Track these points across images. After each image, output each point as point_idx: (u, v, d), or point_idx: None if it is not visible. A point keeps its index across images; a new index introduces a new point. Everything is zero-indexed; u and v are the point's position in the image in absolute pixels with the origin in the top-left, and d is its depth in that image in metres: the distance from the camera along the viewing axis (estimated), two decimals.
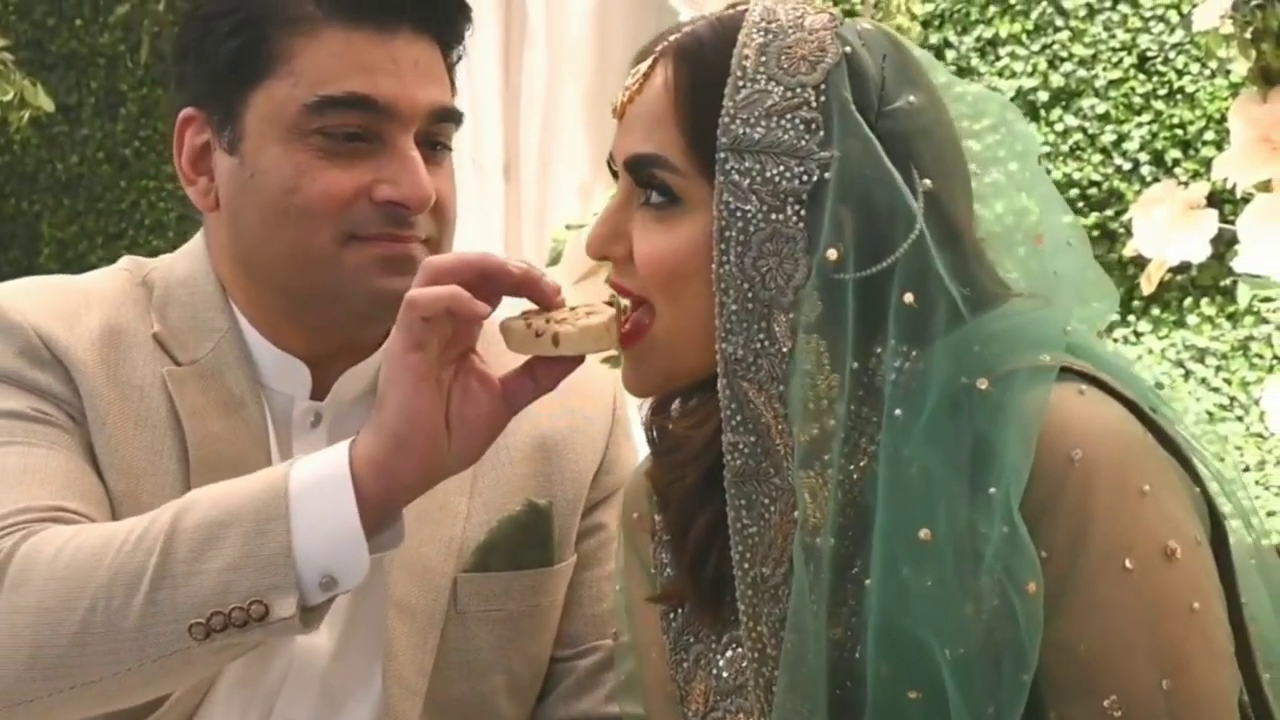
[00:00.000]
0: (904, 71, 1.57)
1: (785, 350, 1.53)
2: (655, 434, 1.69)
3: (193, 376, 1.87)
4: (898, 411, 1.51)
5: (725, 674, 1.66)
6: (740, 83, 1.54)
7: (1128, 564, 1.47)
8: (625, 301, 1.57)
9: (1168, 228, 3.55)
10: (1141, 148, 3.91)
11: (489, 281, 1.60)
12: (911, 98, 1.55)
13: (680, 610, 1.70)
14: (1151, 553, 1.48)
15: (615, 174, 1.61)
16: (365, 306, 1.78)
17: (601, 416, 2.00)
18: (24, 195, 5.18)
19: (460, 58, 1.87)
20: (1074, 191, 4.13)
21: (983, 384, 1.50)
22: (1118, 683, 1.48)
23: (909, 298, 1.51)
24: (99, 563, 1.65)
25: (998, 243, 1.60)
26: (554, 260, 4.13)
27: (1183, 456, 1.53)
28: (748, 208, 1.53)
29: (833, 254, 1.51)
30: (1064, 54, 4.03)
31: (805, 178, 1.52)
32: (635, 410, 1.96)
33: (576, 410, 1.98)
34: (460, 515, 1.90)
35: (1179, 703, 1.47)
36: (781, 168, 1.53)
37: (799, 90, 1.54)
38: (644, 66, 1.60)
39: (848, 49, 1.55)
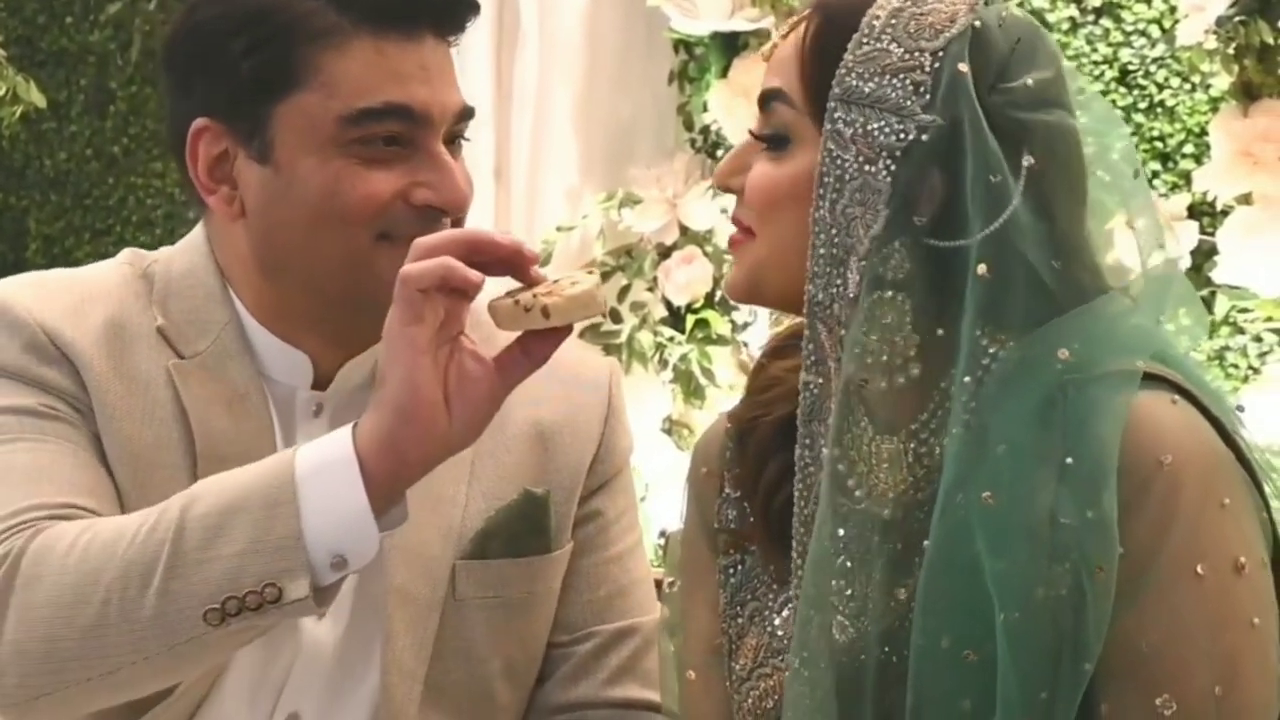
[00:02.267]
0: (1034, 57, 1.62)
1: (852, 295, 1.58)
2: (754, 375, 1.77)
3: (196, 369, 1.89)
4: (986, 392, 1.55)
5: (780, 632, 1.70)
6: (864, 40, 1.60)
7: (1200, 570, 1.52)
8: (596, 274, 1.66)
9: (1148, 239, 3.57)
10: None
11: (478, 254, 1.66)
12: (1030, 80, 1.58)
13: (740, 565, 1.75)
14: (1224, 563, 1.53)
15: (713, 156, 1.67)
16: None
17: (598, 405, 2.03)
18: (12, 191, 5.16)
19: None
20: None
21: (1080, 380, 1.55)
22: (1173, 683, 1.52)
23: (982, 269, 1.55)
24: (111, 555, 1.69)
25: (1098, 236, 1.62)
26: (544, 261, 4.10)
27: (1256, 480, 1.56)
28: (846, 157, 1.59)
29: (919, 218, 1.57)
30: None
31: (902, 135, 1.58)
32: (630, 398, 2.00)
33: (573, 398, 2.01)
34: (459, 503, 1.94)
35: (1228, 710, 1.51)
36: (882, 123, 1.58)
37: (916, 54, 1.59)
38: (793, 21, 1.66)
39: (977, 23, 1.58)
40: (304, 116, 1.83)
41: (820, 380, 1.61)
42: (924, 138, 1.57)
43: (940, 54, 1.58)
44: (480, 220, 4.30)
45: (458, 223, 1.87)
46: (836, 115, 1.60)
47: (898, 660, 1.58)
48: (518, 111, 4.29)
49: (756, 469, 1.73)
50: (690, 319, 4.09)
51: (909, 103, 1.58)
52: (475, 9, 1.91)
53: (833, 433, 1.58)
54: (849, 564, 1.58)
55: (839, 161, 1.59)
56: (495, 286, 1.71)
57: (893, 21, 1.60)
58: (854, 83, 1.60)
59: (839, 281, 1.59)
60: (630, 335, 4.08)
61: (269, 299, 1.91)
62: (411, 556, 1.91)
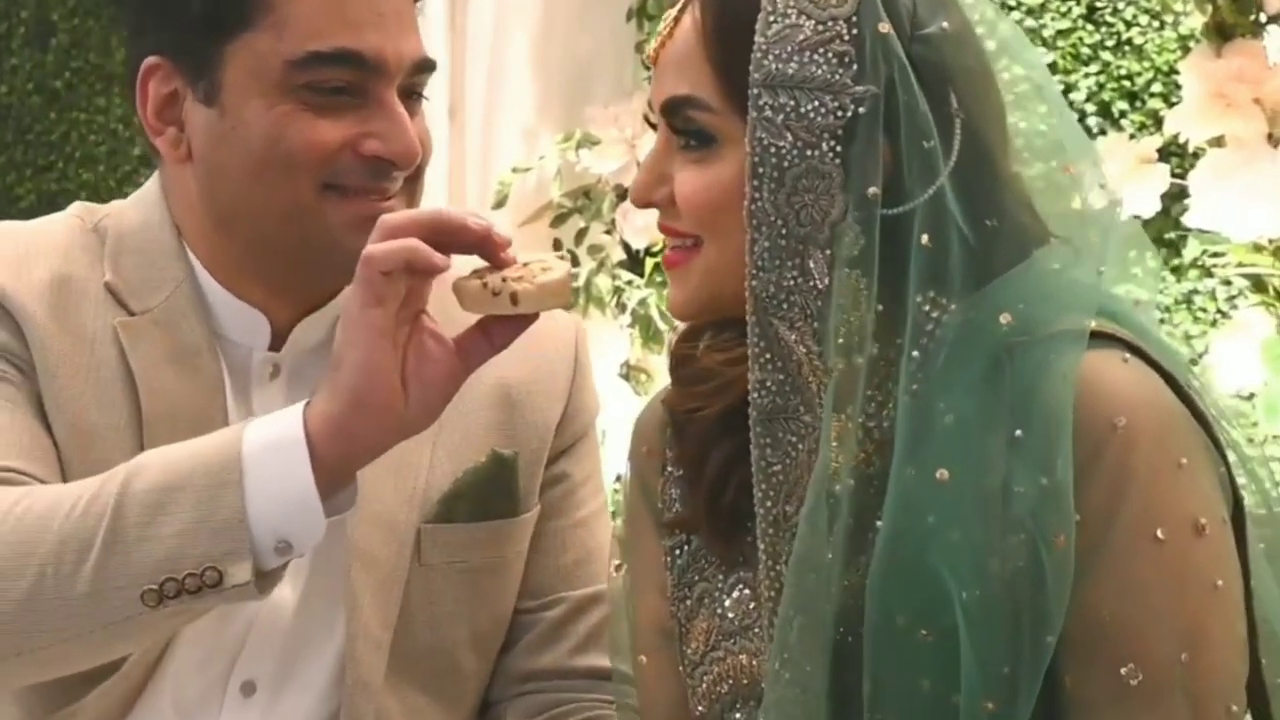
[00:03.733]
0: None
1: (821, 287, 1.54)
2: (680, 363, 1.72)
3: (146, 326, 1.84)
4: (931, 360, 1.53)
5: (731, 615, 1.67)
6: (770, 18, 1.54)
7: (1159, 534, 1.50)
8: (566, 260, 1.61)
9: (1118, 181, 3.54)
10: (1088, 98, 3.87)
11: (445, 237, 1.62)
12: (945, 23, 1.56)
13: (686, 547, 1.72)
14: (1183, 526, 1.51)
15: (653, 125, 1.61)
16: (344, 264, 1.76)
17: (564, 364, 2.01)
18: None
19: (422, 8, 1.85)
20: (1019, 141, 4.10)
21: (1026, 343, 1.52)
22: (1137, 651, 1.50)
23: (925, 239, 1.52)
24: (47, 527, 1.65)
25: (1027, 171, 1.59)
26: (499, 203, 4.08)
27: (1211, 433, 1.53)
28: (781, 144, 1.54)
29: (873, 190, 1.53)
30: (1013, 2, 3.97)
31: (840, 113, 1.54)
32: (597, 356, 1.94)
33: (538, 358, 1.98)
34: (423, 466, 1.91)
35: (1194, 676, 1.48)
36: (816, 103, 1.54)
37: (830, 24, 1.54)
38: (674, 12, 1.59)
39: None
40: (253, 57, 1.80)
41: (781, 377, 1.57)
42: (862, 110, 1.53)
43: (854, 19, 1.55)
44: (436, 161, 4.28)
45: (414, 176, 1.84)
46: (763, 102, 1.55)
47: (853, 640, 1.56)
48: (473, 49, 4.24)
49: (698, 459, 1.70)
50: (649, 262, 4.05)
51: (837, 76, 1.54)
52: None
53: (828, 430, 1.55)
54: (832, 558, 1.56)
55: (773, 149, 1.54)
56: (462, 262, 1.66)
57: None
58: (773, 66, 1.55)
59: (793, 274, 1.55)
60: (588, 279, 4.04)
61: (221, 252, 1.87)
62: (375, 521, 1.88)
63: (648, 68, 4.05)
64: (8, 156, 5.08)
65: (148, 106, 1.85)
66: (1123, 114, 3.83)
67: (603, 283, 4.04)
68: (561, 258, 1.64)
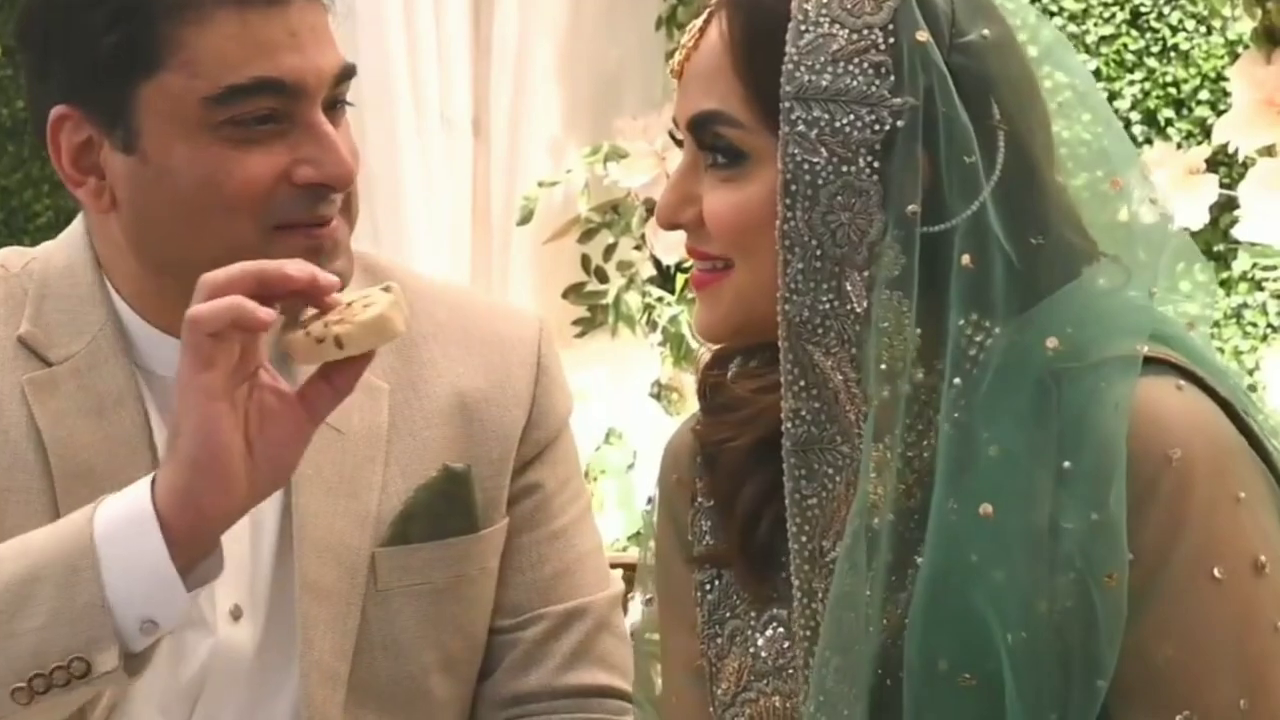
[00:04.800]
0: (973, 2, 1.53)
1: (859, 310, 1.50)
2: (709, 391, 1.66)
3: (62, 378, 1.82)
4: (974, 387, 1.48)
5: (764, 654, 1.61)
6: (802, 27, 1.50)
7: (1217, 573, 1.45)
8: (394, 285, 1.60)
9: (1165, 192, 3.53)
10: (1133, 106, 3.86)
11: (269, 288, 1.59)
12: (985, 30, 1.51)
13: (718, 582, 1.66)
14: (1243, 564, 1.45)
15: (678, 141, 1.59)
16: None
17: (524, 368, 1.93)
18: None
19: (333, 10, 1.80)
20: (1063, 151, 4.07)
21: (1075, 370, 1.47)
22: (1194, 697, 1.45)
23: (965, 259, 1.48)
24: None
25: (1072, 182, 1.55)
26: (525, 219, 4.09)
27: (1271, 464, 1.50)
28: (816, 160, 1.49)
29: (912, 208, 1.48)
30: (1054, 8, 3.95)
31: (877, 126, 1.48)
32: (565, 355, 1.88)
33: (496, 362, 1.92)
34: (374, 487, 1.86)
35: None
36: (852, 116, 1.49)
37: (865, 32, 1.50)
38: (699, 22, 1.57)
39: None
40: (168, 99, 1.74)
41: (817, 406, 1.52)
42: (900, 123, 1.48)
43: (891, 27, 1.49)
44: (459, 177, 4.30)
45: (348, 198, 1.79)
46: (795, 115, 1.49)
47: (892, 684, 1.50)
48: (498, 60, 4.22)
49: (730, 492, 1.64)
50: (680, 278, 4.02)
51: (874, 88, 1.49)
52: None
53: (867, 461, 1.50)
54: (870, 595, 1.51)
55: (806, 165, 1.49)
56: None
57: (824, 1, 1.51)
58: (806, 77, 1.50)
59: (829, 297, 1.50)
60: (617, 296, 4.04)
61: (150, 292, 1.83)
62: (324, 549, 1.83)
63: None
64: (25, 173, 5.02)
65: (63, 158, 1.78)
66: (1169, 122, 3.80)
67: (632, 300, 4.03)
68: (385, 289, 1.61)
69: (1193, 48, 3.79)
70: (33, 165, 5.00)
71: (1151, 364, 1.47)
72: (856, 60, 1.49)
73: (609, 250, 4.07)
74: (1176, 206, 3.47)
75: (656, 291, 4.04)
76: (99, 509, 1.62)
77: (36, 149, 5.02)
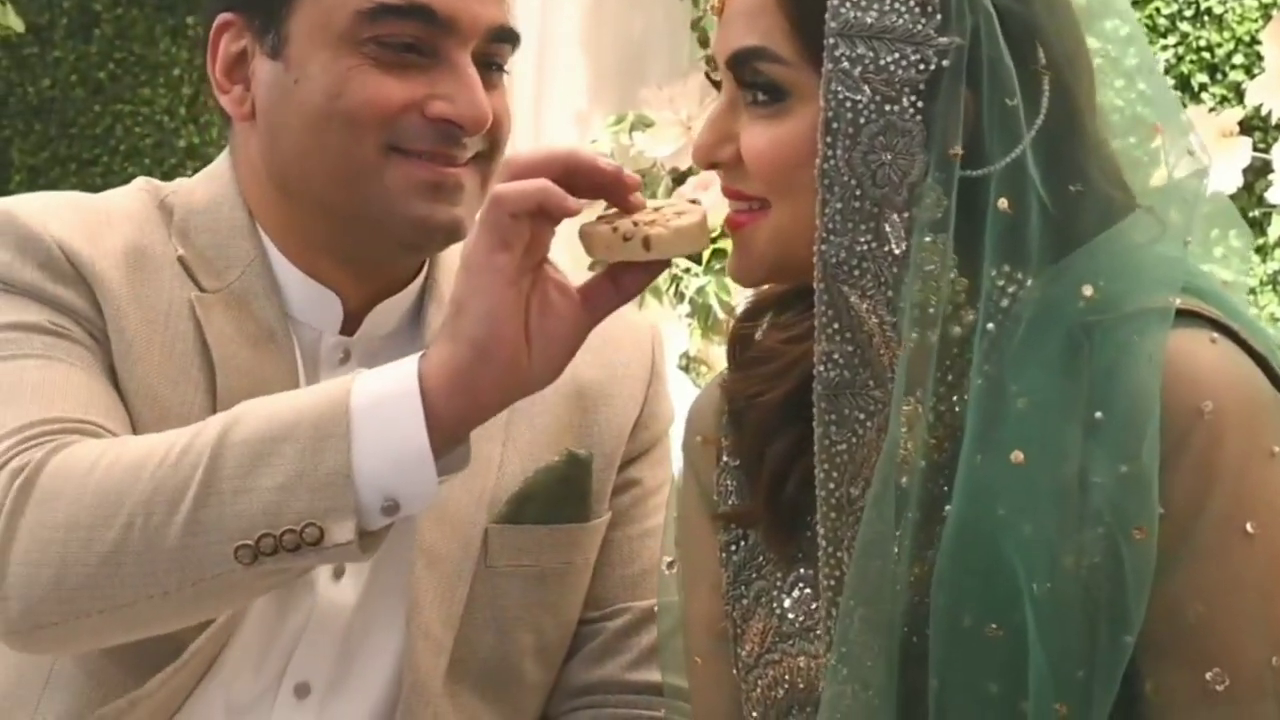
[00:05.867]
0: None
1: (898, 252, 1.49)
2: (739, 345, 1.67)
3: (220, 303, 1.83)
4: (1006, 338, 1.48)
5: (791, 615, 1.62)
6: None
7: (1249, 528, 1.44)
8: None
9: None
10: (1166, 71, 3.82)
11: (577, 178, 1.56)
12: None
13: (743, 542, 1.67)
14: (1275, 519, 1.45)
15: (716, 83, 1.58)
16: (406, 232, 1.76)
17: (640, 368, 1.97)
18: None
19: None
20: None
21: (1107, 321, 1.47)
22: (1225, 654, 1.44)
23: (1003, 203, 1.47)
24: (137, 477, 1.60)
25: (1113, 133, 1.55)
26: None
27: None
28: (858, 98, 1.48)
29: (955, 149, 1.47)
30: None
31: (922, 66, 1.48)
32: (672, 366, 1.88)
33: (616, 359, 1.94)
34: (493, 464, 1.86)
35: None
36: (896, 54, 1.48)
37: None
38: None
39: None
40: (321, 9, 1.77)
41: (850, 349, 1.51)
42: (945, 63, 1.48)
43: None
44: None
45: (490, 154, 1.81)
46: (839, 52, 1.49)
47: (918, 640, 1.50)
48: (521, 29, 4.16)
49: (757, 448, 1.64)
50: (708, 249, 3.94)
51: (919, 26, 1.48)
52: None
53: (898, 416, 1.49)
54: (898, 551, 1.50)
55: (848, 104, 1.49)
56: None
57: None
58: (851, 14, 1.49)
59: (867, 238, 1.49)
60: None
61: (287, 221, 1.84)
62: (442, 517, 1.83)
63: (704, 45, 4.09)
64: (51, 151, 5.08)
65: (217, 64, 1.83)
66: (1203, 87, 3.78)
67: None
68: (694, 202, 1.59)
69: (1226, 11, 3.76)
70: (59, 144, 5.08)
71: (1185, 316, 1.47)
72: None
73: None
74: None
75: (683, 263, 4.01)
76: (357, 380, 1.60)
77: (63, 128, 5.16)
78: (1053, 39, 1.50)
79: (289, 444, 1.58)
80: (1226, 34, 3.77)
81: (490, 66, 1.80)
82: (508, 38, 1.81)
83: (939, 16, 1.48)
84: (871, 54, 1.48)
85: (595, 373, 1.90)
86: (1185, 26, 3.79)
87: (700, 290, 3.96)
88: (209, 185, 1.88)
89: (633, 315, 2.06)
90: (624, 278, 1.60)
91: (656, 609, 1.89)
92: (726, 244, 3.94)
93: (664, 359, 2.00)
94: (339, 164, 1.77)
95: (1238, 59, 3.76)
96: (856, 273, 1.49)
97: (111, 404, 1.76)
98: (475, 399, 1.58)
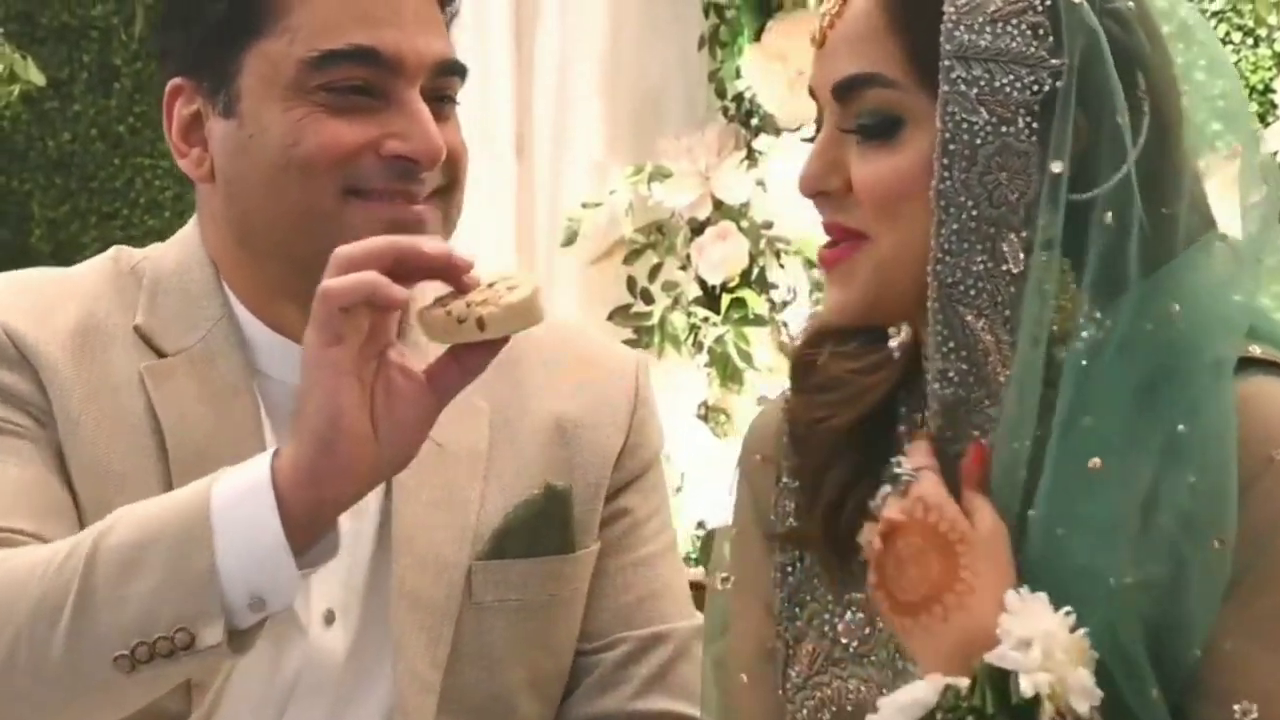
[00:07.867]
0: None
1: (1015, 272, 1.50)
2: (802, 370, 1.67)
3: (179, 367, 1.83)
4: (1097, 353, 1.49)
5: (844, 639, 1.63)
6: None
7: None
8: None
9: (1215, 203, 3.48)
10: None
11: (404, 265, 1.58)
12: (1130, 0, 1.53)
13: (800, 564, 1.67)
14: None
15: (818, 122, 1.59)
16: None
17: (623, 397, 1.95)
18: (14, 174, 5.09)
19: (455, 14, 1.87)
20: None
21: (1185, 371, 1.48)
22: (1255, 689, 1.46)
23: (1109, 217, 1.49)
24: (24, 590, 1.62)
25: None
26: (569, 240, 4.08)
27: None
28: (975, 120, 1.50)
29: (1057, 166, 1.49)
30: None
31: (1036, 87, 1.50)
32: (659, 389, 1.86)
33: (596, 389, 1.94)
34: (474, 501, 1.86)
35: None
36: (1011, 76, 1.50)
37: None
38: None
39: None
40: (268, 63, 1.79)
41: (965, 368, 1.52)
42: (1058, 84, 1.50)
43: None
44: (502, 198, 4.30)
45: (448, 185, 1.82)
46: (955, 75, 1.51)
47: None
48: (539, 80, 4.23)
49: (817, 473, 1.64)
50: (726, 298, 4.03)
51: (1032, 49, 1.50)
52: None
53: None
54: None
55: (965, 125, 1.50)
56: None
57: None
58: (965, 36, 1.51)
59: (983, 258, 1.50)
60: (662, 317, 4.03)
61: (251, 275, 1.85)
62: (424, 560, 1.84)
63: (720, 96, 4.10)
64: (72, 205, 5.06)
65: (173, 129, 1.85)
66: (1216, 134, 3.71)
67: (678, 320, 4.02)
68: (526, 273, 1.61)
69: (1239, 60, 3.78)
70: (80, 197, 5.06)
71: (1258, 364, 1.49)
72: (1015, 21, 1.50)
73: (654, 271, 4.07)
74: (1223, 217, 3.44)
75: (702, 312, 4.03)
76: (217, 481, 1.61)
77: (84, 181, 5.14)
78: (1149, 62, 1.52)
79: (156, 549, 1.60)
80: (1240, 83, 3.77)
81: (440, 100, 1.81)
82: (454, 70, 1.82)
83: (1051, 39, 1.49)
84: (987, 76, 1.50)
85: (576, 406, 1.91)
86: (1199, 75, 3.79)
87: (719, 340, 3.96)
88: (179, 249, 1.90)
89: (616, 346, 2.09)
90: (466, 357, 1.61)
91: (658, 635, 1.91)
92: (744, 293, 3.99)
93: (649, 387, 1.99)
94: (299, 212, 1.78)
95: (1251, 107, 3.66)
96: (973, 292, 1.51)
97: (46, 499, 1.76)
98: (322, 492, 1.59)
